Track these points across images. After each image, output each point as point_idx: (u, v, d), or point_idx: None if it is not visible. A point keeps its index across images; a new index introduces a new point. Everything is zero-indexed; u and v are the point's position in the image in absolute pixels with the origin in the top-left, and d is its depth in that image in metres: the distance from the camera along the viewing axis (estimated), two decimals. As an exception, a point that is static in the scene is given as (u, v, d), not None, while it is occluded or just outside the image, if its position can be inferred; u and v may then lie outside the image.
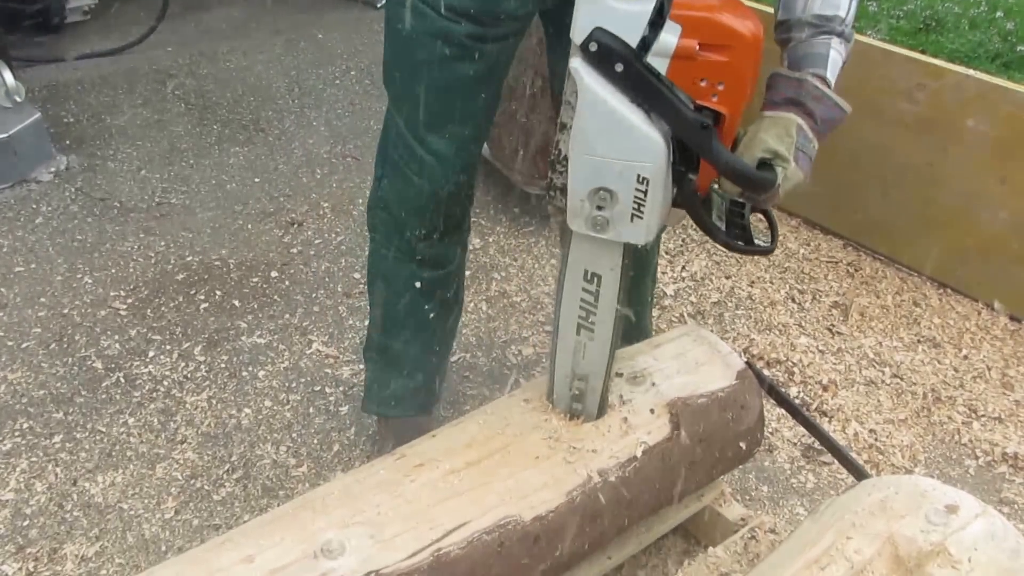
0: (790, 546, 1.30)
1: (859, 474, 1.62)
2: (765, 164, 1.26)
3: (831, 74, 1.32)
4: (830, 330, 2.62)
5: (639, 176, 1.20)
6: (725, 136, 1.22)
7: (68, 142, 3.57)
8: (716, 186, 1.34)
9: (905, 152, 2.75)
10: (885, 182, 2.83)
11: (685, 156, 1.23)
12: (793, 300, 2.75)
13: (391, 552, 1.24)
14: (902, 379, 2.43)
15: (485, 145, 3.03)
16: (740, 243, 1.33)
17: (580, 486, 1.42)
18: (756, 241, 1.34)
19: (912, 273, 2.87)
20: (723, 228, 1.33)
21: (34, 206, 3.15)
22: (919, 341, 2.58)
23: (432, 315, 1.88)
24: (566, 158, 1.24)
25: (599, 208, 1.25)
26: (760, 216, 1.41)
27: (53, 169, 3.37)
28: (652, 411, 1.55)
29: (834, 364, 2.47)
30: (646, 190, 1.21)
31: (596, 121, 1.19)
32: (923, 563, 1.19)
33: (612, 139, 1.19)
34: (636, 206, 1.23)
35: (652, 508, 1.56)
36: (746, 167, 1.23)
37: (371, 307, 1.96)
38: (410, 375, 1.96)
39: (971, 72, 2.62)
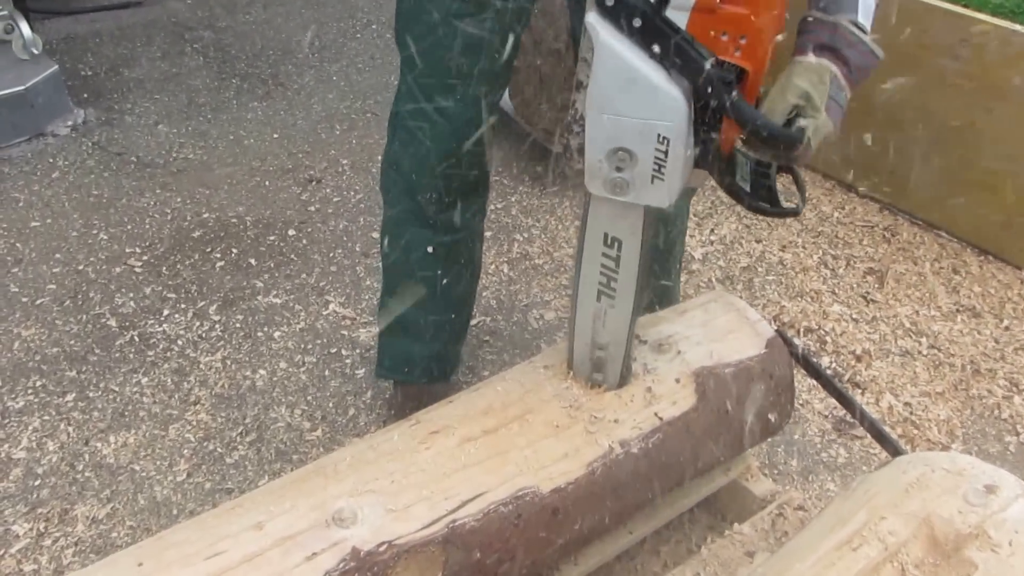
0: (820, 525, 1.23)
1: (894, 450, 1.55)
2: (790, 122, 1.18)
3: (864, 18, 1.23)
4: (864, 298, 2.52)
5: (659, 136, 1.14)
6: (748, 92, 1.14)
7: (86, 95, 3.53)
8: (740, 146, 1.26)
9: (946, 111, 2.63)
10: (924, 143, 2.71)
11: (707, 114, 1.16)
12: (826, 266, 2.65)
13: (405, 522, 1.19)
14: (939, 350, 2.34)
15: (509, 101, 2.97)
16: (766, 205, 1.24)
17: (601, 457, 1.35)
18: (783, 203, 1.26)
19: (951, 239, 2.75)
20: (747, 189, 1.25)
21: (51, 160, 3.12)
22: (958, 310, 2.48)
23: (446, 280, 1.81)
24: (583, 118, 1.18)
25: (618, 170, 1.19)
26: (787, 175, 1.33)
27: (70, 123, 3.33)
28: (677, 380, 1.48)
29: (868, 333, 2.38)
30: (667, 150, 1.15)
31: (613, 78, 1.12)
32: (961, 546, 1.12)
33: (630, 97, 1.13)
34: (656, 167, 1.17)
35: (676, 481, 1.49)
36: (773, 124, 1.15)
37: (383, 271, 1.90)
38: (423, 342, 1.90)
39: (1018, 27, 2.49)
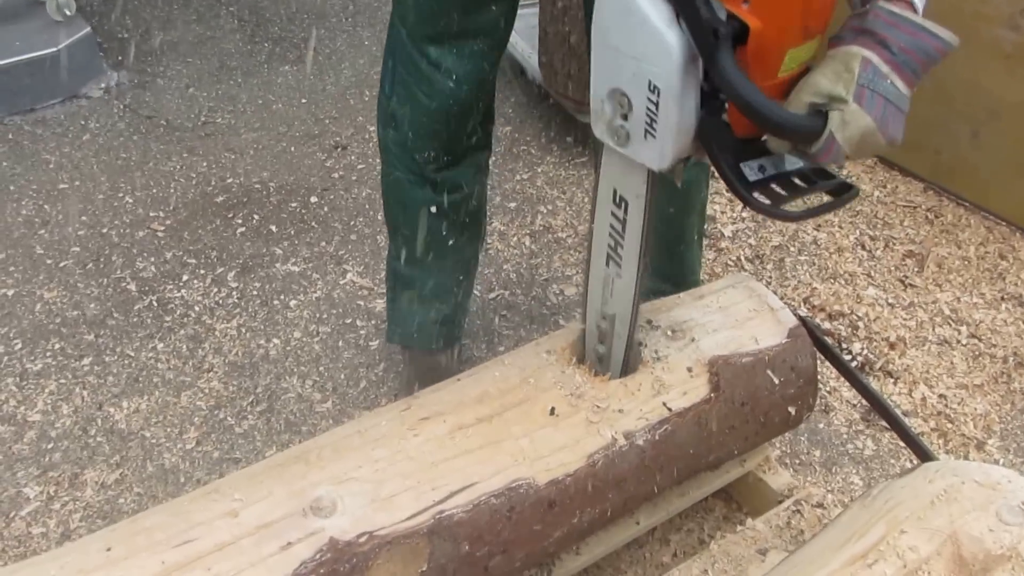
0: (834, 534, 1.15)
1: (922, 454, 1.44)
2: (820, 111, 1.00)
3: None
4: (902, 281, 2.40)
5: (650, 83, 1.03)
6: (753, 59, 0.97)
7: (120, 57, 3.53)
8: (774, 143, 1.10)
9: (1002, 86, 2.48)
10: (976, 119, 2.56)
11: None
12: (863, 247, 2.53)
13: (388, 512, 1.14)
14: (980, 340, 2.21)
15: (537, 69, 2.88)
16: (759, 200, 1.07)
17: (603, 449, 1.29)
18: (785, 207, 1.08)
19: (1000, 222, 2.60)
20: (748, 177, 1.08)
21: (82, 122, 3.12)
22: (1003, 298, 2.35)
23: (451, 242, 1.77)
24: None
25: (623, 117, 1.09)
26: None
27: (103, 85, 3.33)
28: (689, 370, 1.40)
29: (904, 320, 2.27)
30: (657, 102, 1.03)
31: (613, 6, 1.03)
32: (990, 568, 1.03)
33: (625, 30, 1.03)
34: (648, 120, 1.06)
35: (685, 475, 1.42)
36: (765, 102, 0.96)
37: (388, 233, 1.86)
38: (431, 305, 1.86)
39: (1087, -4, 2.32)
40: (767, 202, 1.07)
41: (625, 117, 1.09)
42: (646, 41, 1.01)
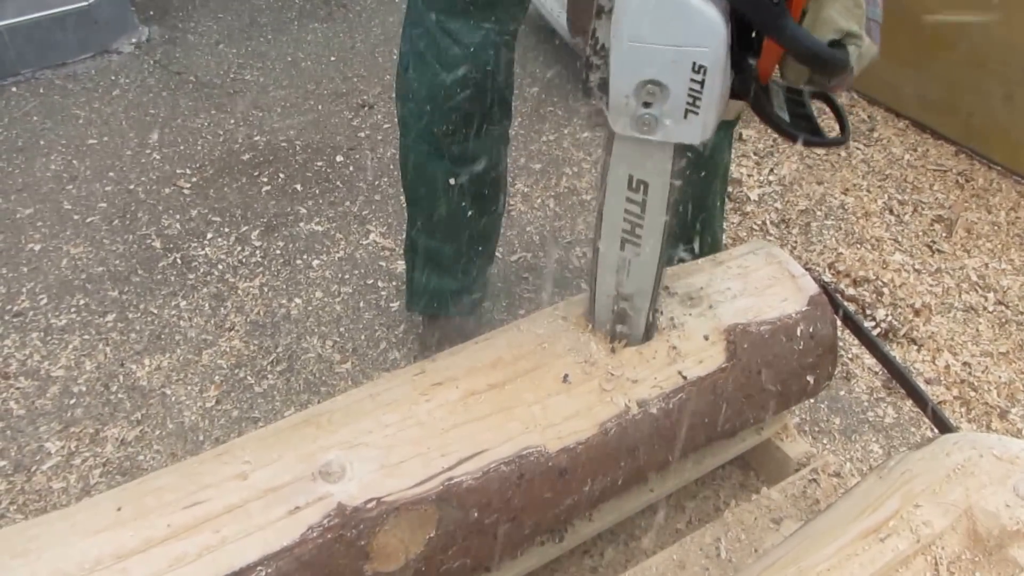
0: (848, 506, 1.13)
1: (941, 426, 1.42)
2: (835, 44, 1.07)
3: None
4: (930, 247, 2.35)
5: (695, 64, 1.02)
6: (794, 10, 1.01)
7: (152, 12, 3.53)
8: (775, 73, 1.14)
9: (1041, 48, 2.39)
10: (1010, 81, 2.47)
11: (744, 37, 1.05)
12: (891, 211, 2.48)
13: (396, 478, 1.14)
14: (1007, 307, 2.16)
15: (566, 28, 2.83)
16: (809, 135, 1.13)
17: (616, 417, 1.28)
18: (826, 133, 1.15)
19: (1033, 187, 2.54)
20: (787, 119, 1.13)
21: (113, 78, 3.13)
22: (1034, 265, 2.30)
23: (469, 213, 1.75)
24: (605, 48, 1.05)
25: (646, 105, 1.07)
26: (822, 105, 1.23)
27: (135, 40, 3.34)
28: (706, 337, 1.38)
29: (930, 286, 2.22)
30: (703, 80, 1.03)
31: (642, 3, 1.00)
32: (1005, 544, 1.01)
33: (662, 21, 1.00)
34: (691, 100, 1.05)
35: (699, 444, 1.41)
36: (822, 46, 1.03)
37: (406, 204, 1.84)
38: (450, 275, 1.85)
39: None
40: (812, 136, 1.14)
41: (648, 105, 1.07)
42: (687, 25, 1.00)
